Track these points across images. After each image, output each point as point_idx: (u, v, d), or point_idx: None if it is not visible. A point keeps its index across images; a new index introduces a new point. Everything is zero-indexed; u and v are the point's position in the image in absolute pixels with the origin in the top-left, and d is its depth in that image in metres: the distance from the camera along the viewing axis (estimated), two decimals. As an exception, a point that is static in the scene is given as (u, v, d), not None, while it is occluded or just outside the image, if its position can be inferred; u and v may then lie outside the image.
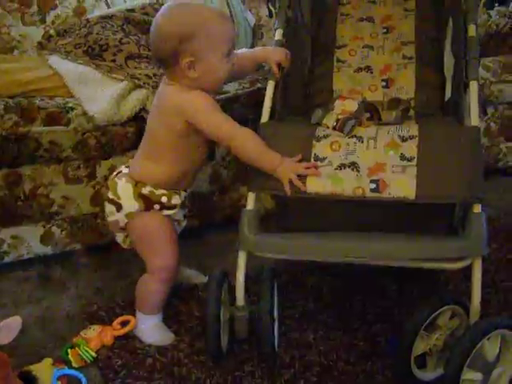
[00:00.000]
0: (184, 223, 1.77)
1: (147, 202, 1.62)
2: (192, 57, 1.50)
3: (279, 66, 1.71)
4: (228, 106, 2.10)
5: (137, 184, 1.63)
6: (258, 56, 1.76)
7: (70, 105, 1.98)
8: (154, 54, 1.60)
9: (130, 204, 1.63)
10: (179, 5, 1.59)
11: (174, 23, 1.52)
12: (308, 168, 1.50)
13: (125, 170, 1.68)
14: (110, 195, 1.65)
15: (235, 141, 1.54)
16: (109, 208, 1.66)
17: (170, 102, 1.57)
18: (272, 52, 1.73)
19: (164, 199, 1.63)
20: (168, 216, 1.66)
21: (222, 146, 1.59)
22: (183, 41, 1.49)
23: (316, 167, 1.52)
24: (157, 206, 1.63)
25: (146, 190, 1.62)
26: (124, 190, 1.63)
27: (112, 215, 1.66)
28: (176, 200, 1.65)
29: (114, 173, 1.70)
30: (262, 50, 1.79)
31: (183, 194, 1.69)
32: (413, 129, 1.57)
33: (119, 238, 1.72)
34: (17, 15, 2.44)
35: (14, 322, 1.38)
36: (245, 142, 1.55)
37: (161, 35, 1.52)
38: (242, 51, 1.80)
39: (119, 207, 1.64)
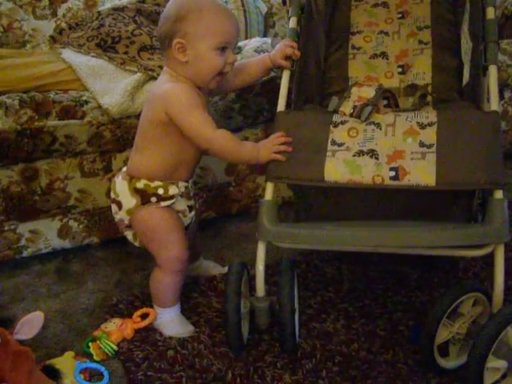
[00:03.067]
0: (191, 214, 1.72)
1: (143, 196, 1.61)
2: (182, 38, 1.52)
3: (289, 59, 1.70)
4: (242, 95, 2.10)
5: (131, 179, 1.62)
6: (264, 61, 1.74)
7: (85, 98, 1.98)
8: (157, 35, 1.63)
9: (128, 200, 1.62)
10: None
11: (175, 5, 1.56)
12: (278, 138, 1.56)
13: (124, 168, 1.69)
14: (112, 195, 1.66)
15: (213, 145, 1.55)
16: (113, 208, 1.67)
17: (158, 89, 1.59)
18: (275, 52, 1.71)
19: (160, 191, 1.61)
20: (168, 207, 1.64)
21: (201, 147, 1.56)
22: (177, 20, 1.52)
23: (281, 135, 1.56)
24: (153, 199, 1.61)
25: (140, 184, 1.61)
26: (120, 187, 1.63)
27: (116, 214, 1.66)
28: (173, 190, 1.62)
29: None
30: (266, 55, 1.76)
31: (183, 184, 1.66)
32: (431, 115, 1.55)
33: (129, 236, 1.70)
34: (28, 9, 2.44)
35: (37, 317, 1.37)
36: (223, 145, 1.55)
37: (163, 15, 1.58)
38: (243, 60, 1.80)
39: (120, 205, 1.63)
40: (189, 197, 1.69)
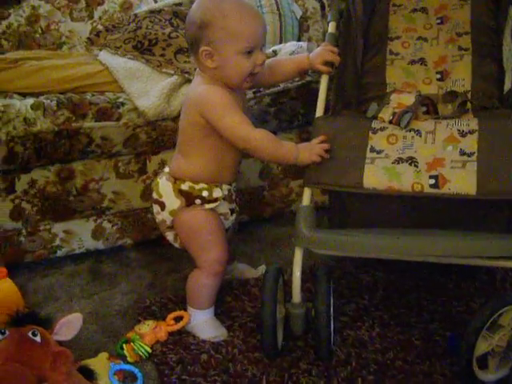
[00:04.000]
0: (232, 217, 1.74)
1: (188, 198, 1.62)
2: (208, 46, 1.50)
3: (328, 64, 1.69)
4: (278, 99, 2.09)
5: (176, 181, 1.63)
6: (302, 62, 1.72)
7: (121, 100, 1.99)
8: (186, 39, 1.62)
9: (172, 201, 1.63)
10: None
11: (199, 9, 1.53)
12: (321, 141, 1.56)
13: (166, 169, 1.69)
14: (154, 195, 1.67)
15: (250, 143, 1.54)
16: (155, 208, 1.67)
17: (193, 93, 1.59)
18: (315, 56, 1.70)
19: (205, 193, 1.61)
20: (211, 210, 1.64)
21: (238, 147, 1.55)
22: (202, 27, 1.50)
23: (323, 140, 1.56)
24: (198, 201, 1.62)
25: (185, 186, 1.62)
26: (164, 188, 1.64)
27: (158, 215, 1.67)
28: (217, 193, 1.63)
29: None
30: (305, 56, 1.74)
31: (226, 187, 1.66)
32: (472, 123, 1.54)
33: (170, 237, 1.71)
34: (65, 11, 2.46)
35: (76, 319, 1.38)
36: (260, 145, 1.54)
37: (187, 20, 1.56)
38: (280, 58, 1.78)
39: (163, 206, 1.64)
40: (231, 200, 1.70)
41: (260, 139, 1.54)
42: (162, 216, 1.66)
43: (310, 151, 1.54)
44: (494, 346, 1.42)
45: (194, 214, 1.63)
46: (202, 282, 1.67)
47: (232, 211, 1.72)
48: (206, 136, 1.58)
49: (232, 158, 1.64)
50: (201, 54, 1.52)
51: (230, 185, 1.69)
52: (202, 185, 1.62)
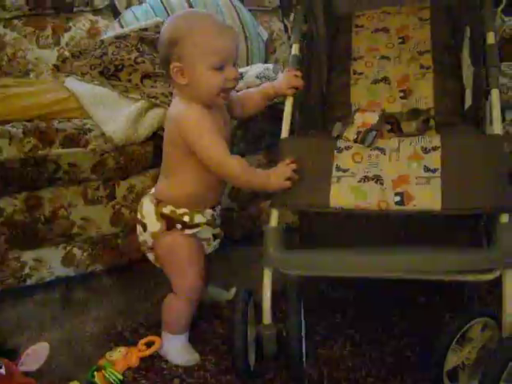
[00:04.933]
0: (215, 242, 1.73)
1: (169, 222, 1.61)
2: (179, 62, 1.50)
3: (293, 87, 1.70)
4: (244, 121, 2.10)
5: (158, 204, 1.62)
6: (267, 93, 1.73)
7: (88, 126, 1.99)
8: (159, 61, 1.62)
9: (153, 224, 1.62)
10: (184, 12, 1.63)
11: (169, 28, 1.55)
12: (289, 164, 1.54)
13: (152, 190, 1.68)
14: (138, 215, 1.66)
15: (224, 169, 1.53)
16: (138, 228, 1.67)
17: (172, 115, 1.59)
18: (280, 84, 1.71)
19: (186, 218, 1.61)
20: (192, 235, 1.64)
21: (213, 171, 1.55)
22: (171, 45, 1.51)
23: (292, 162, 1.55)
24: (179, 225, 1.61)
25: (167, 210, 1.61)
26: (147, 209, 1.63)
27: (141, 235, 1.66)
28: (199, 219, 1.63)
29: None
30: (270, 84, 1.75)
31: (209, 212, 1.65)
32: (435, 140, 1.56)
33: (151, 257, 1.70)
34: (32, 38, 2.47)
35: (42, 349, 1.37)
36: (234, 171, 1.53)
37: (159, 40, 1.58)
38: (248, 90, 1.80)
39: (145, 227, 1.63)
40: (214, 225, 1.69)
41: (234, 166, 1.52)
42: (144, 237, 1.65)
43: (278, 177, 1.53)
44: (463, 360, 1.44)
45: (174, 239, 1.62)
46: (176, 307, 1.66)
47: (215, 236, 1.72)
48: (186, 155, 1.55)
49: (215, 178, 1.60)
50: (172, 70, 1.51)
51: (214, 209, 1.68)
52: (183, 209, 1.61)
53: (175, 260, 1.64)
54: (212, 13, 2.22)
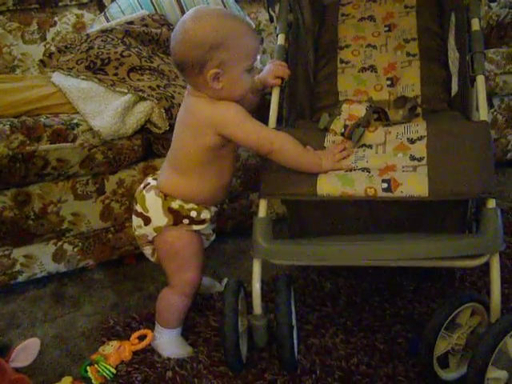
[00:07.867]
0: (212, 237, 1.75)
1: (176, 217, 1.59)
2: (218, 68, 1.44)
3: (278, 77, 1.70)
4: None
5: (166, 198, 1.59)
6: (255, 84, 1.70)
7: (75, 121, 1.98)
8: (178, 60, 1.47)
9: (159, 218, 1.59)
10: (211, 10, 1.54)
11: (207, 29, 1.42)
12: (342, 150, 1.55)
13: (153, 183, 1.64)
14: (139, 209, 1.62)
15: (274, 145, 1.51)
16: (136, 222, 1.64)
17: (202, 115, 1.51)
18: (266, 74, 1.70)
19: (193, 214, 1.60)
20: (197, 231, 1.63)
21: (261, 153, 1.54)
22: (213, 49, 1.42)
23: (345, 148, 1.56)
24: (186, 221, 1.60)
25: (175, 204, 1.59)
26: (153, 203, 1.60)
27: (140, 229, 1.63)
28: (205, 215, 1.62)
29: (142, 185, 1.66)
30: (256, 77, 1.71)
31: (213, 208, 1.66)
32: (421, 128, 1.56)
33: (147, 251, 1.69)
34: (17, 34, 2.45)
35: (33, 344, 1.37)
36: (284, 145, 1.52)
37: (190, 40, 1.43)
38: None
39: (148, 221, 1.61)
40: (214, 220, 1.70)
41: (285, 139, 1.53)
42: (145, 230, 1.62)
43: (331, 159, 1.53)
44: (453, 345, 1.45)
45: (179, 234, 1.61)
46: (173, 302, 1.66)
47: (213, 231, 1.74)
48: (213, 159, 1.55)
49: (229, 178, 1.64)
50: (209, 76, 1.44)
51: (217, 206, 1.69)
52: (191, 205, 1.59)
53: (178, 255, 1.63)
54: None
